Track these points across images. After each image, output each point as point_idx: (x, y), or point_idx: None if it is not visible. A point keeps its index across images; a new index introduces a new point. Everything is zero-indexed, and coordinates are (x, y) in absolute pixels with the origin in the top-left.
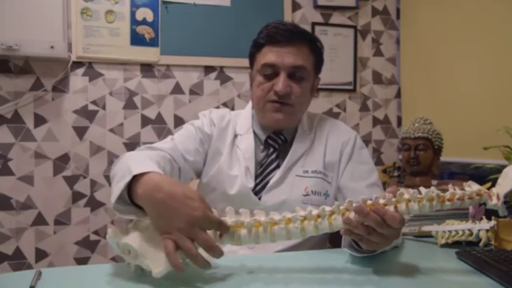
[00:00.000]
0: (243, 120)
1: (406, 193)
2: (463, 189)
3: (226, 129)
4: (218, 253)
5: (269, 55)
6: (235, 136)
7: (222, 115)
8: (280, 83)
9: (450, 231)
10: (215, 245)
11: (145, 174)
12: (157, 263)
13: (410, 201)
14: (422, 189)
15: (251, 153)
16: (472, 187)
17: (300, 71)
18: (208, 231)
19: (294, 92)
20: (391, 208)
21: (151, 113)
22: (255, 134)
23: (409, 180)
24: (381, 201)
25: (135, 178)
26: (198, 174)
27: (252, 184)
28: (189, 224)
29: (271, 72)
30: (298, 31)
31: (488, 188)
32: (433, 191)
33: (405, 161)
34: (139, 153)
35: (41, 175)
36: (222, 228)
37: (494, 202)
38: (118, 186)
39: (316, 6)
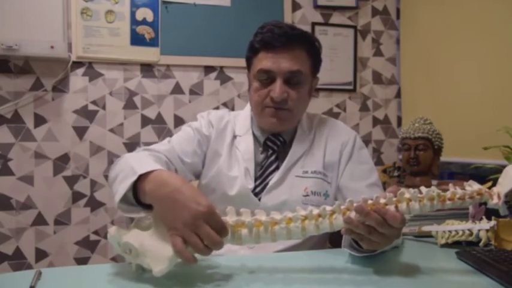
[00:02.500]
0: (242, 121)
1: (407, 192)
2: (463, 188)
3: (224, 130)
4: (220, 247)
5: (265, 61)
6: (235, 137)
7: (220, 116)
8: (277, 89)
9: (450, 231)
10: (218, 240)
11: (151, 172)
12: (158, 262)
13: (411, 201)
14: (423, 188)
15: (250, 154)
16: (472, 186)
17: (297, 75)
18: None
19: (291, 97)
20: (392, 207)
21: (151, 113)
22: (254, 135)
23: (409, 180)
24: (382, 200)
25: (141, 177)
26: (197, 176)
27: (251, 185)
28: (194, 218)
29: (267, 78)
30: (294, 34)
31: (489, 188)
32: (434, 190)
33: (405, 161)
34: (138, 154)
35: (41, 175)
36: (222, 232)
37: (495, 201)
38: (122, 186)
39: (316, 6)
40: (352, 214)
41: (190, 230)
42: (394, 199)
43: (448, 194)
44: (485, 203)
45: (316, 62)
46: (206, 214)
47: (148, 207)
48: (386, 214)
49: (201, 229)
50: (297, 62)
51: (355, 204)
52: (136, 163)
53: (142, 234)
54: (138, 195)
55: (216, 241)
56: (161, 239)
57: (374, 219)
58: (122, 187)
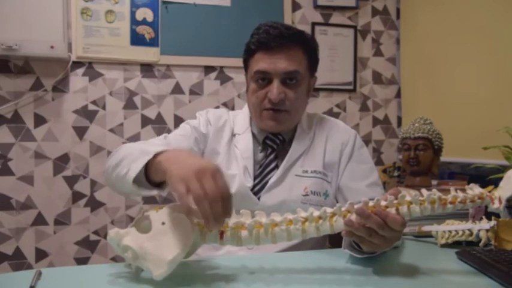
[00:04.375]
0: (241, 120)
1: (408, 195)
2: (464, 190)
3: (222, 128)
4: (218, 214)
5: (261, 62)
6: (233, 135)
7: (219, 115)
8: (274, 90)
9: (450, 231)
10: (219, 198)
11: (164, 151)
12: (158, 266)
13: (412, 204)
14: (424, 191)
15: (249, 152)
16: (474, 190)
17: (294, 76)
18: (209, 233)
19: (289, 97)
20: (392, 210)
21: (151, 113)
22: (253, 134)
23: (409, 180)
24: (383, 203)
25: (153, 157)
26: None
27: (250, 183)
28: (203, 168)
29: (264, 79)
30: (289, 34)
31: (490, 191)
32: (435, 193)
33: (405, 161)
34: (139, 143)
35: (41, 175)
36: (225, 192)
37: (496, 206)
38: (136, 164)
39: (316, 6)
40: (353, 216)
41: (196, 178)
42: (395, 202)
43: (449, 198)
44: (486, 207)
45: (313, 61)
46: (215, 170)
47: (158, 187)
48: (387, 217)
49: (207, 179)
50: (293, 62)
51: (355, 207)
52: (145, 147)
53: (142, 237)
54: (148, 175)
55: (216, 196)
56: (161, 241)
57: (375, 221)
58: (135, 165)
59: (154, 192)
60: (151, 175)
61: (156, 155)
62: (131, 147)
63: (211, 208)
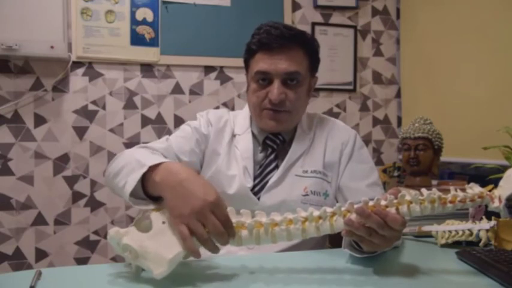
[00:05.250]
0: (241, 120)
1: (408, 195)
2: (464, 190)
3: (223, 129)
4: (224, 240)
5: (262, 63)
6: (234, 136)
7: (219, 116)
8: (275, 91)
9: (450, 231)
10: (222, 231)
11: (160, 164)
12: (158, 264)
13: (411, 203)
14: (424, 190)
15: (249, 153)
16: (473, 189)
17: (294, 76)
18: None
19: (289, 98)
20: (392, 210)
21: (151, 113)
22: (253, 134)
23: (409, 180)
24: (383, 202)
25: (149, 169)
26: None
27: (250, 184)
28: (202, 207)
29: (264, 79)
30: (290, 35)
31: (490, 190)
32: (435, 192)
33: (405, 161)
34: (139, 150)
35: (41, 175)
36: (226, 224)
37: (496, 204)
38: (132, 178)
39: (316, 6)
40: (353, 216)
41: (196, 218)
42: (395, 201)
43: (449, 197)
44: (486, 206)
45: (314, 62)
46: (213, 204)
47: (155, 199)
48: (387, 216)
49: (208, 219)
50: (294, 63)
51: (355, 206)
52: (142, 157)
53: (142, 236)
54: (145, 187)
55: (220, 232)
56: (161, 240)
57: (375, 221)
58: (131, 178)
59: (150, 207)
60: (148, 188)
61: (153, 167)
62: (130, 155)
63: (217, 241)
